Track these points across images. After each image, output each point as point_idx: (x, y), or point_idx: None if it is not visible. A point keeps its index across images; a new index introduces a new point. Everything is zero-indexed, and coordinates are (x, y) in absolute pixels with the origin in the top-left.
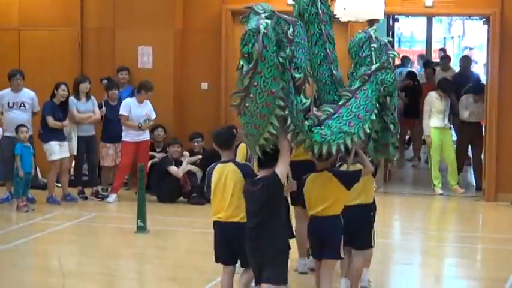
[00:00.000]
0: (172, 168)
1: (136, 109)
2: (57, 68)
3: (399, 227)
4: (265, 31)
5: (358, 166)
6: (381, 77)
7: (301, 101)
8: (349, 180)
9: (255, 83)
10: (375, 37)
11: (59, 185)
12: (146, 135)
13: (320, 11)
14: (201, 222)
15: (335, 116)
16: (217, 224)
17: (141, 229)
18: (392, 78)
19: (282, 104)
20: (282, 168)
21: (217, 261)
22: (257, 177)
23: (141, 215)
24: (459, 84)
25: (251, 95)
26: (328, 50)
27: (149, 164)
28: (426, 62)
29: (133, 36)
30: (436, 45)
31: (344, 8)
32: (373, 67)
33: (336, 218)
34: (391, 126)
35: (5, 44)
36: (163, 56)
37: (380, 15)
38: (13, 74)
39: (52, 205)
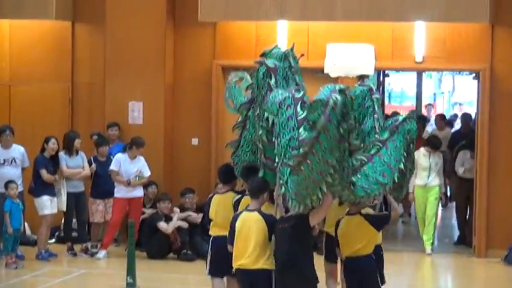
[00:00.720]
0: (162, 225)
1: (127, 165)
2: (48, 123)
3: (387, 285)
4: (333, 106)
5: (369, 210)
6: (407, 127)
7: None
8: (378, 222)
9: (314, 151)
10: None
11: (52, 241)
12: (139, 192)
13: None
14: (192, 279)
15: (369, 164)
16: (238, 272)
17: (131, 286)
18: (415, 126)
19: (333, 173)
20: (316, 217)
21: None
22: (288, 215)
23: (131, 271)
24: (458, 141)
25: (308, 161)
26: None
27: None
28: (417, 117)
29: (124, 92)
30: (426, 101)
31: (334, 64)
32: (400, 118)
33: (369, 257)
34: (409, 171)
35: None
36: (154, 111)
37: (370, 71)
38: (3, 130)
39: (41, 262)
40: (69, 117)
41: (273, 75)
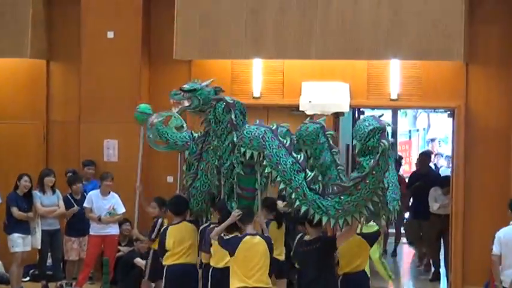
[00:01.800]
0: (139, 260)
1: (99, 201)
2: (22, 161)
3: None
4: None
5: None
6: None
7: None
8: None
9: (373, 172)
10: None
11: (26, 279)
12: (113, 229)
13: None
14: None
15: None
16: None
17: None
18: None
19: (381, 193)
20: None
21: None
22: (312, 238)
23: None
24: (414, 181)
25: (367, 181)
26: None
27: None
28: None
29: (99, 130)
30: (401, 138)
31: (310, 101)
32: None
33: (365, 272)
34: None
35: None
36: (129, 149)
37: (346, 108)
38: None
39: None
40: (44, 155)
41: (232, 110)
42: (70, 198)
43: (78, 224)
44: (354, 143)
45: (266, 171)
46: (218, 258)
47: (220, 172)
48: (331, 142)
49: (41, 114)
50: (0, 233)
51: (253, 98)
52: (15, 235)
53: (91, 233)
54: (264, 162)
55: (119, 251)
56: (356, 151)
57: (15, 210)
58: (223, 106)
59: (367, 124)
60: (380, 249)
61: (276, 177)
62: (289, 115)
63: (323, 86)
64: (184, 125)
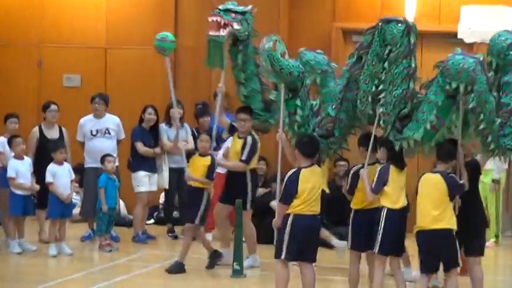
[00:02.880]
0: (274, 204)
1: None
2: (148, 91)
3: None
4: None
5: None
6: None
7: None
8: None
9: None
10: None
11: (150, 222)
12: None
13: None
14: None
15: None
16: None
17: (237, 273)
18: None
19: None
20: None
21: None
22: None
23: (238, 257)
24: None
25: None
26: None
27: None
28: None
29: None
30: None
31: (469, 28)
32: None
33: None
34: None
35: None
36: None
37: None
38: (93, 98)
39: (138, 244)
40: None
41: (411, 33)
42: (196, 133)
43: None
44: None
45: (471, 106)
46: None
47: (375, 100)
48: None
49: None
50: (124, 171)
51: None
52: (141, 173)
53: (218, 170)
54: (472, 98)
55: None
56: (493, 67)
57: (140, 146)
58: (402, 28)
59: (503, 39)
60: None
61: (480, 115)
62: (445, 43)
63: (485, 11)
64: (287, 51)
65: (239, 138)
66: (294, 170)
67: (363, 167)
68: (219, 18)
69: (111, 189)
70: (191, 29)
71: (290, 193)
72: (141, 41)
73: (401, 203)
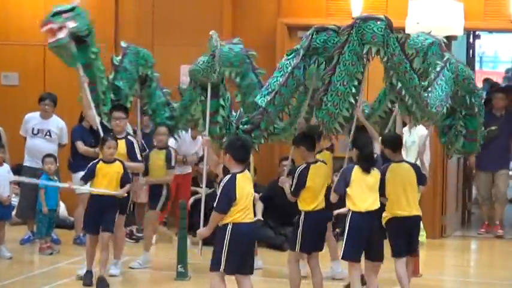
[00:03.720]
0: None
1: (187, 144)
2: None
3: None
4: None
5: None
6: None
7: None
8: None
9: None
10: None
11: None
12: (188, 168)
13: None
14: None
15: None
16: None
17: (182, 276)
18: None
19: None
20: None
21: None
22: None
23: (182, 259)
24: None
25: None
26: None
27: (191, 200)
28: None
29: (175, 55)
30: None
31: (417, 23)
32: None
33: None
34: None
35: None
36: None
37: (459, 32)
38: (42, 98)
39: (79, 247)
40: None
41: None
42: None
43: None
44: None
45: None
46: None
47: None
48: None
49: (109, 37)
50: (63, 174)
51: (353, 18)
52: (82, 174)
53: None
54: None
55: (196, 192)
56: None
57: (79, 145)
58: (383, 26)
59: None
60: None
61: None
62: None
63: (433, 6)
64: None
65: (119, 139)
66: (229, 176)
67: (308, 166)
68: (52, 25)
69: (51, 191)
70: (131, 26)
71: (229, 200)
72: None
73: (367, 205)
